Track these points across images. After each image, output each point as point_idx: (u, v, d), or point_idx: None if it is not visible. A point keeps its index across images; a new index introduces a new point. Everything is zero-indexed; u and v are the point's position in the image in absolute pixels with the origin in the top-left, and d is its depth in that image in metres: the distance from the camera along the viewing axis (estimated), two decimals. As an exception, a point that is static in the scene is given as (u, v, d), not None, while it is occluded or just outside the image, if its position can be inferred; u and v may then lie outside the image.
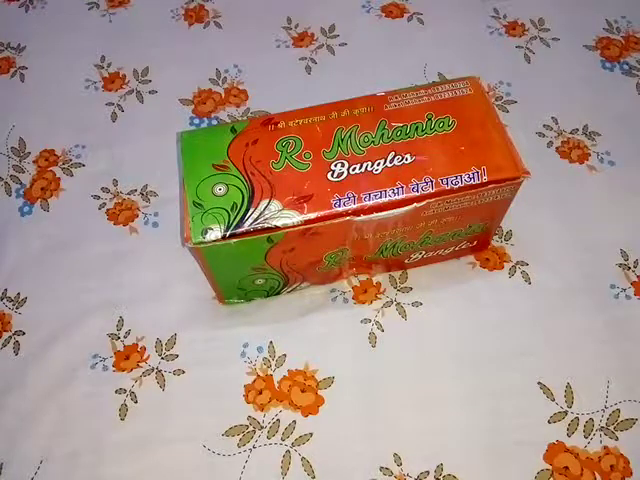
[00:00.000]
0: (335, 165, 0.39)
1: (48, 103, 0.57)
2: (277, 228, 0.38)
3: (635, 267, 0.48)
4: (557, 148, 0.54)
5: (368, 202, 0.38)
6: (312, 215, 0.38)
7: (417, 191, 0.38)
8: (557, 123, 0.55)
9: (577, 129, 0.54)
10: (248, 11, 0.63)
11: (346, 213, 0.38)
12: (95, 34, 0.62)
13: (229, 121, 0.56)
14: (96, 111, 0.57)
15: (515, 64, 0.59)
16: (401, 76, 0.56)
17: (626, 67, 0.58)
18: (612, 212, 0.50)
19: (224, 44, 0.61)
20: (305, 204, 0.38)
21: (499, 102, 0.56)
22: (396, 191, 0.38)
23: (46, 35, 0.62)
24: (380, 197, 0.38)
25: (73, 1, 0.64)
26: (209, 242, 0.37)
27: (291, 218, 0.38)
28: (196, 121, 0.56)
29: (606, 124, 0.55)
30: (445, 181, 0.38)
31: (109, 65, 0.60)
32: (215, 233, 0.37)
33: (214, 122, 0.56)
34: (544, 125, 0.55)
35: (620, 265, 0.48)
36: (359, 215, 0.38)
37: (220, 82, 0.58)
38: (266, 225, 0.37)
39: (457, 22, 0.61)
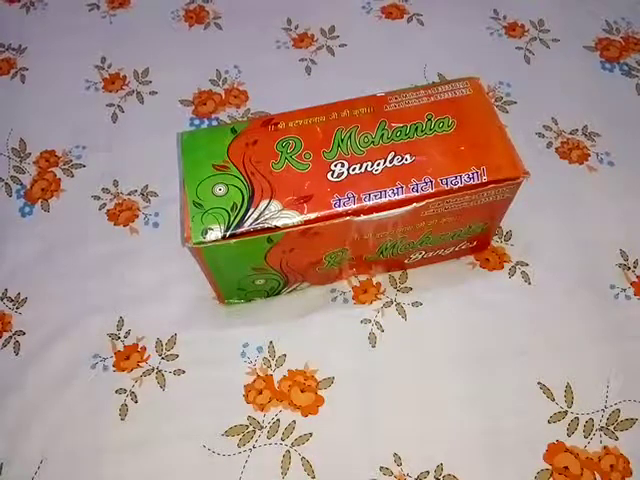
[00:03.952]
0: (335, 165, 0.39)
1: (49, 104, 0.58)
2: (277, 228, 0.38)
3: (635, 267, 0.48)
4: (557, 148, 0.54)
5: (368, 202, 0.38)
6: (312, 215, 0.38)
7: (417, 191, 0.38)
8: (557, 123, 0.55)
9: (577, 129, 0.54)
10: (248, 12, 0.63)
11: (346, 213, 0.38)
12: (95, 35, 0.62)
13: (229, 122, 0.56)
14: (96, 112, 0.57)
15: (515, 65, 0.59)
16: (401, 76, 0.56)
17: (626, 68, 0.58)
18: (612, 212, 0.50)
19: (224, 45, 0.61)
20: (305, 204, 0.38)
21: (499, 102, 0.56)
22: (396, 191, 0.38)
23: (47, 36, 0.62)
24: (380, 197, 0.38)
25: (74, 2, 0.64)
26: (209, 242, 0.37)
27: (291, 218, 0.38)
28: (196, 122, 0.56)
29: (606, 124, 0.55)
30: (445, 181, 0.38)
31: (109, 66, 0.60)
32: (215, 233, 0.37)
33: (214, 123, 0.56)
34: (544, 125, 0.55)
35: (620, 265, 0.48)
36: (359, 215, 0.38)
37: (220, 83, 0.58)
38: (266, 225, 0.37)
39: (457, 23, 0.61)
